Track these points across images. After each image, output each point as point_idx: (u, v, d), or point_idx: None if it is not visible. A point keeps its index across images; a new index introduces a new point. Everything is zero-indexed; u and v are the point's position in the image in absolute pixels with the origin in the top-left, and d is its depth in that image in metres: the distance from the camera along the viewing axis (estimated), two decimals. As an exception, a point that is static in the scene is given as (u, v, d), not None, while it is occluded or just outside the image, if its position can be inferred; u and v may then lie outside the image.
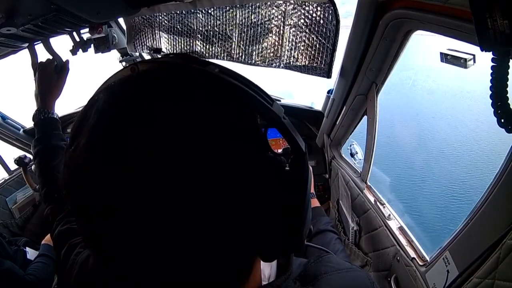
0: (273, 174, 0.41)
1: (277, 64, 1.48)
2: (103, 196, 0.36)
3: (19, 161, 2.23)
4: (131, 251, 0.38)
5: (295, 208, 0.43)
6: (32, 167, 2.23)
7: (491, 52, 0.64)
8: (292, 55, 1.42)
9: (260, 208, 0.40)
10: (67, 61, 1.26)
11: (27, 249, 1.93)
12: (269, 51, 1.49)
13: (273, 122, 0.41)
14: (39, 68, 1.20)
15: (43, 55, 1.27)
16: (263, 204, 0.40)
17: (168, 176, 0.35)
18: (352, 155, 1.85)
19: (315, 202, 1.43)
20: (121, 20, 2.04)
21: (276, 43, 1.44)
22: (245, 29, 1.51)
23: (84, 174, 0.38)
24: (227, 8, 1.52)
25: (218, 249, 0.39)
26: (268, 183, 0.40)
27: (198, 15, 1.65)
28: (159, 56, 1.98)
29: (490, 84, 0.66)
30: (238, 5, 1.47)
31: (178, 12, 1.72)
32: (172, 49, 1.88)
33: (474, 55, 0.88)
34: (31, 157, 2.25)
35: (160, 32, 1.87)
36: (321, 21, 1.26)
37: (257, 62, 1.54)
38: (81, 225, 0.42)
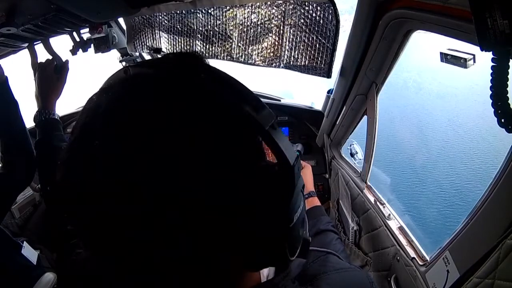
0: (259, 188, 0.39)
1: (277, 64, 1.48)
2: (102, 193, 0.37)
3: None
4: (130, 250, 0.39)
5: (280, 223, 0.41)
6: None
7: (491, 52, 0.64)
8: (292, 55, 1.42)
9: (245, 221, 0.39)
10: (67, 61, 1.26)
11: (25, 243, 1.92)
12: (269, 51, 1.49)
13: (258, 131, 0.40)
14: (39, 69, 1.20)
15: (43, 55, 1.27)
16: (249, 217, 0.39)
17: (163, 173, 0.35)
18: (352, 155, 1.85)
19: (316, 201, 1.42)
20: (121, 20, 2.04)
21: (276, 43, 1.44)
22: (245, 29, 1.51)
23: (82, 171, 0.38)
24: (227, 8, 1.52)
25: (215, 245, 0.39)
26: (254, 196, 0.39)
27: (198, 15, 1.65)
28: (159, 56, 1.98)
29: (490, 84, 0.66)
30: (238, 5, 1.47)
31: (178, 12, 1.72)
32: (172, 49, 1.88)
33: (474, 55, 0.88)
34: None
35: (160, 32, 1.87)
36: (321, 21, 1.26)
37: (257, 62, 1.54)
38: (78, 223, 0.42)
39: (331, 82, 1.59)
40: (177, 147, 0.36)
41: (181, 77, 0.40)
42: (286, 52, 1.43)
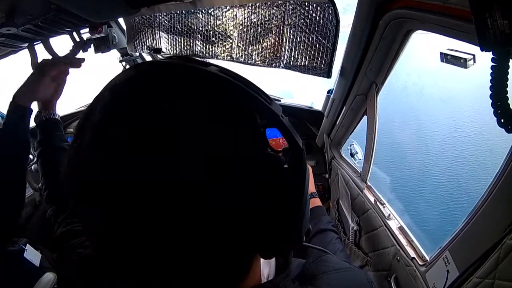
0: (271, 170, 0.41)
1: (277, 64, 1.48)
2: (106, 191, 0.37)
3: None
4: (132, 249, 0.38)
5: (293, 204, 0.43)
6: (33, 166, 2.23)
7: (491, 52, 0.64)
8: (292, 55, 1.42)
9: (259, 204, 0.40)
10: None
11: (27, 246, 1.93)
12: (269, 51, 1.48)
13: (272, 120, 0.42)
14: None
15: (43, 55, 1.27)
16: (262, 200, 0.40)
17: (169, 172, 0.35)
18: (352, 155, 1.85)
19: (317, 202, 1.43)
20: (121, 20, 2.04)
21: (276, 43, 1.44)
22: (245, 29, 1.51)
23: (88, 169, 0.38)
24: (227, 8, 1.52)
25: (218, 245, 0.39)
26: (267, 179, 0.41)
27: (198, 15, 1.65)
28: (159, 56, 1.98)
29: (490, 84, 0.66)
30: (238, 5, 1.47)
31: (178, 12, 1.72)
32: (172, 49, 1.88)
33: (474, 55, 0.88)
34: (31, 156, 2.26)
35: (160, 32, 1.87)
36: (321, 21, 1.26)
37: (257, 62, 1.54)
38: (84, 221, 0.42)
39: (331, 82, 1.59)
40: (193, 143, 0.36)
41: (191, 71, 0.41)
42: (286, 52, 1.43)
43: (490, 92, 0.66)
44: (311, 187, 1.48)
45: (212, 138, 0.37)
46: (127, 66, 2.30)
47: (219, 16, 1.57)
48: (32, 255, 1.87)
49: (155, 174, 0.35)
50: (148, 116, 0.37)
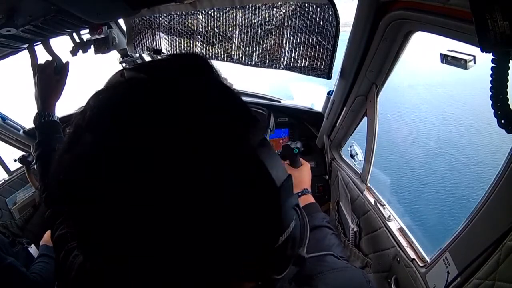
0: (244, 210, 0.38)
1: (277, 65, 1.48)
2: (81, 196, 0.37)
3: (22, 159, 2.23)
4: (119, 251, 0.38)
5: (263, 244, 0.41)
6: (35, 166, 2.23)
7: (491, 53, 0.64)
8: (292, 56, 1.42)
9: (237, 237, 0.39)
10: (67, 62, 1.26)
11: (33, 246, 1.95)
12: (269, 52, 1.49)
13: (246, 152, 0.39)
14: (38, 70, 1.20)
15: (43, 56, 1.27)
16: (240, 232, 0.39)
17: (150, 179, 0.35)
18: (352, 156, 1.84)
19: (310, 199, 1.41)
20: (121, 21, 2.04)
21: (276, 44, 1.45)
22: (245, 30, 1.51)
23: (65, 172, 0.39)
24: (227, 9, 1.52)
25: (198, 267, 0.38)
26: (239, 217, 0.38)
27: (198, 16, 1.65)
28: (159, 57, 1.98)
29: (490, 85, 0.66)
30: (238, 6, 1.48)
31: (178, 13, 1.72)
32: (172, 50, 1.88)
33: (474, 56, 0.88)
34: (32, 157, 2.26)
35: (160, 33, 1.87)
36: (321, 22, 1.26)
37: (257, 63, 1.54)
38: (73, 226, 0.42)
39: (331, 84, 1.59)
40: (167, 159, 0.35)
41: (174, 83, 0.40)
42: (286, 53, 1.43)
43: (491, 93, 0.66)
44: (306, 184, 1.46)
45: (190, 157, 0.36)
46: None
47: (219, 17, 1.57)
48: (35, 253, 1.88)
49: (134, 180, 0.35)
50: (128, 122, 0.36)
